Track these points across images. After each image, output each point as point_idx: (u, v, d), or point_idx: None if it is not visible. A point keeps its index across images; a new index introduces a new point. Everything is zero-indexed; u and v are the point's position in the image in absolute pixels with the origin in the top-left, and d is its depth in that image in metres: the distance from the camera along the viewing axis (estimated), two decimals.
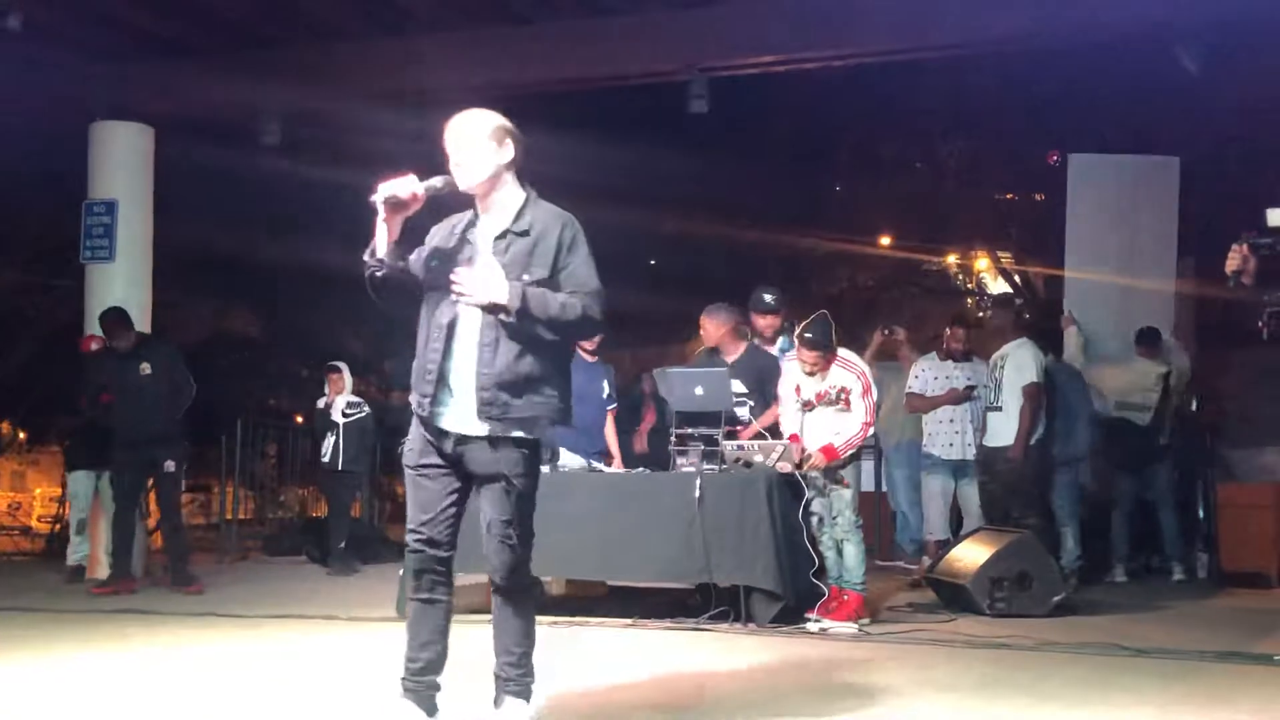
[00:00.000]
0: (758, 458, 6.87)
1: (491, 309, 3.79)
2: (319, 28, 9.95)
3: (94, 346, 9.78)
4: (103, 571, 9.59)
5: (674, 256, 19.20)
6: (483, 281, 3.79)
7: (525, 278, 3.82)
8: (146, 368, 8.99)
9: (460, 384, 3.86)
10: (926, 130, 16.55)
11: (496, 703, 4.01)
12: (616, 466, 7.95)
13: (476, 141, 3.92)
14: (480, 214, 4.00)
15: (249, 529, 14.77)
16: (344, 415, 10.61)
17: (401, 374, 10.46)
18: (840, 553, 6.92)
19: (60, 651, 6.09)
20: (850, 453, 6.97)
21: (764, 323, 7.79)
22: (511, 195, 3.97)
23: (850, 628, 6.59)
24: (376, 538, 11.81)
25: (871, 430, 7.24)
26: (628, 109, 13.03)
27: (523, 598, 4.06)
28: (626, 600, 7.67)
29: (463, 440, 3.89)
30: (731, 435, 7.12)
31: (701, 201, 16.87)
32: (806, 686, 5.09)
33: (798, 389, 7.09)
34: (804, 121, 16.03)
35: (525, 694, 4.00)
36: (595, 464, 7.58)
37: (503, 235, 3.92)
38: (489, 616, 6.57)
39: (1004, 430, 8.39)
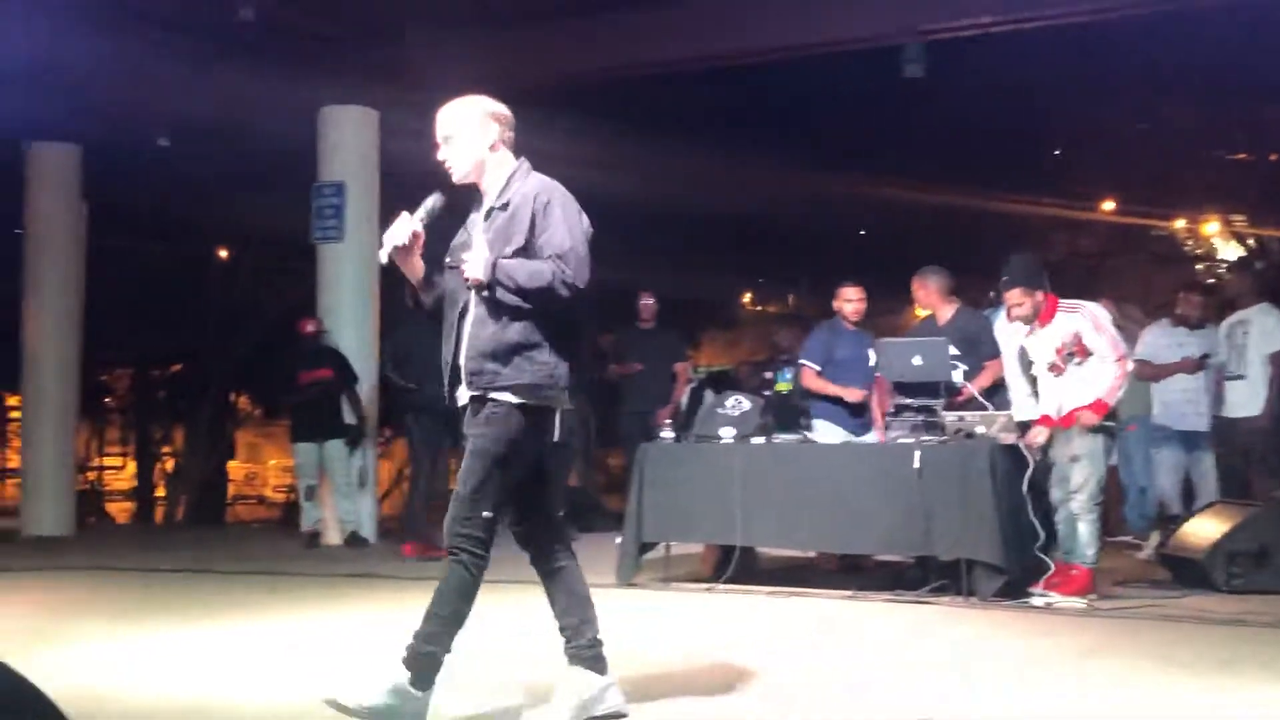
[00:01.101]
0: (979, 428, 6.72)
1: (475, 286, 3.85)
2: (532, 6, 10.14)
3: (310, 329, 10.22)
4: (335, 537, 10.09)
5: (886, 225, 18.93)
6: (470, 262, 3.85)
7: (508, 250, 3.86)
8: None
9: (462, 364, 3.93)
10: (1151, 90, 15.85)
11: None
12: (880, 436, 7.67)
13: (460, 130, 3.99)
14: (481, 198, 4.06)
15: None
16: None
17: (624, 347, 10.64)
18: (1073, 527, 6.70)
19: (302, 611, 6.40)
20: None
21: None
22: (499, 175, 4.02)
23: (1078, 603, 6.40)
24: (594, 507, 11.99)
25: (1130, 365, 6.95)
26: (836, 76, 12.86)
27: (453, 562, 3.81)
28: (846, 572, 7.63)
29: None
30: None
31: (913, 169, 16.55)
32: (1036, 662, 4.97)
33: (1028, 361, 6.89)
34: (1021, 84, 15.53)
35: (409, 665, 3.77)
36: (811, 435, 7.54)
37: (489, 214, 3.99)
38: (695, 585, 6.65)
39: (1246, 400, 8.00)
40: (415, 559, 8.93)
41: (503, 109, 4.06)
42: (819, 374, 7.91)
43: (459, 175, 4.01)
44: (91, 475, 19.67)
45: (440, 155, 4.00)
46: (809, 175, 16.44)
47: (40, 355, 12.24)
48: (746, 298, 26.39)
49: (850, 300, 8.00)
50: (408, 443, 9.62)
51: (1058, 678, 4.64)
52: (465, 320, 3.91)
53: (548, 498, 4.12)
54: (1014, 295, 6.75)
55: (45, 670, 2.83)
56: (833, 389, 7.83)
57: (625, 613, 6.33)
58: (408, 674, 3.75)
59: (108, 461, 21.63)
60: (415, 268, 3.99)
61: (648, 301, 10.48)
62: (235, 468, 24.18)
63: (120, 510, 19.95)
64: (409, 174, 11.71)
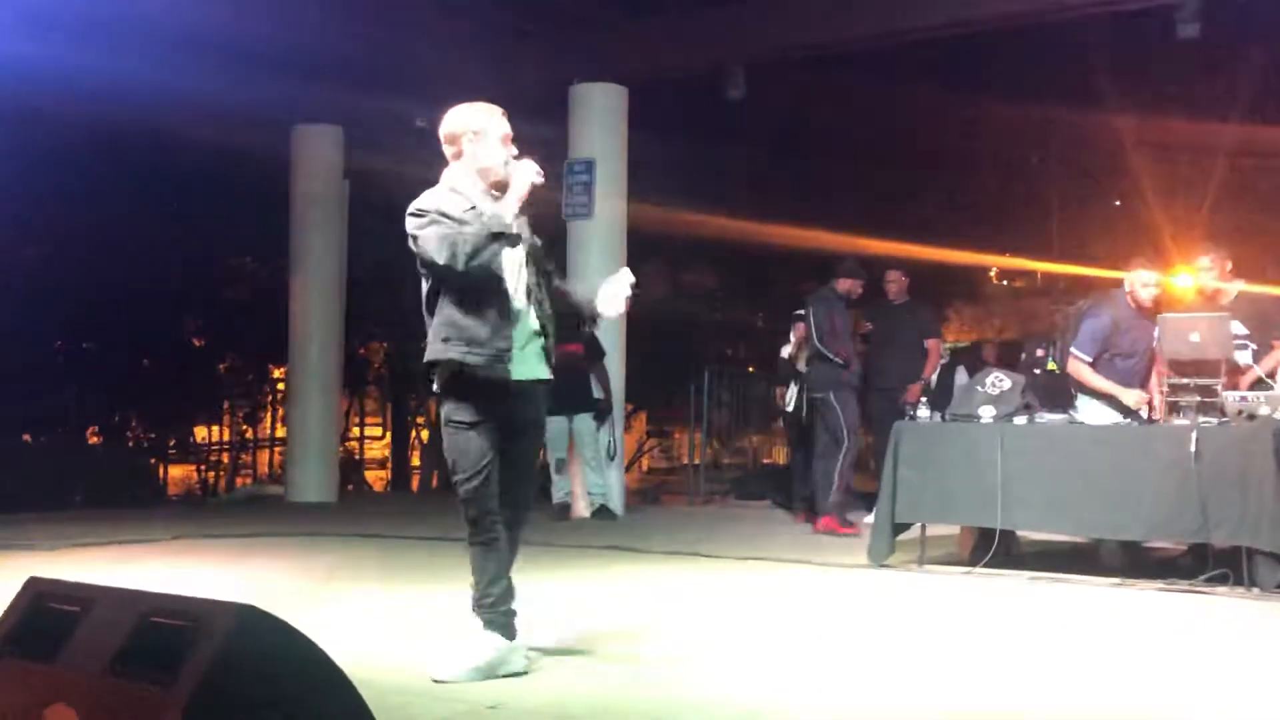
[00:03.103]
0: (1264, 409, 6.29)
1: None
2: None
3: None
4: (585, 509, 10.20)
5: (1142, 196, 18.08)
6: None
7: None
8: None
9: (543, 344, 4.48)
10: None
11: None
12: (1159, 414, 7.04)
13: None
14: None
15: (709, 474, 15.22)
16: (808, 365, 10.65)
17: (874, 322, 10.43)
18: None
19: (548, 581, 6.48)
20: None
21: None
22: None
23: None
24: None
25: None
26: (1105, 39, 12.29)
27: (469, 533, 4.24)
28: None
29: None
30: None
31: (1178, 136, 15.69)
32: None
33: None
34: None
35: (486, 624, 4.20)
36: (1077, 415, 7.18)
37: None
38: (952, 568, 6.45)
39: None
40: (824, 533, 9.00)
41: None
42: (1091, 365, 7.32)
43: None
44: (352, 445, 20.51)
45: (514, 151, 4.41)
46: (1070, 142, 15.85)
47: (304, 330, 12.79)
48: (993, 271, 25.57)
49: (1148, 285, 7.27)
50: (825, 418, 9.34)
51: None
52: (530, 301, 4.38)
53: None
54: None
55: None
56: (1103, 386, 7.23)
57: (877, 595, 6.20)
58: (482, 642, 4.17)
59: (367, 432, 22.51)
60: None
61: (894, 276, 10.20)
62: None
63: (377, 479, 20.76)
64: (655, 148, 11.84)
